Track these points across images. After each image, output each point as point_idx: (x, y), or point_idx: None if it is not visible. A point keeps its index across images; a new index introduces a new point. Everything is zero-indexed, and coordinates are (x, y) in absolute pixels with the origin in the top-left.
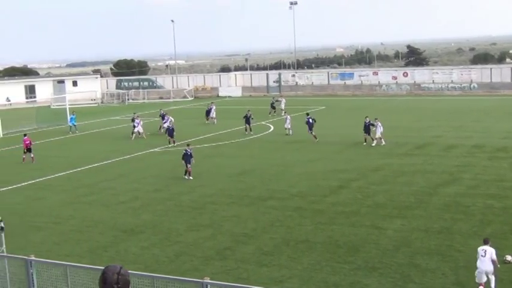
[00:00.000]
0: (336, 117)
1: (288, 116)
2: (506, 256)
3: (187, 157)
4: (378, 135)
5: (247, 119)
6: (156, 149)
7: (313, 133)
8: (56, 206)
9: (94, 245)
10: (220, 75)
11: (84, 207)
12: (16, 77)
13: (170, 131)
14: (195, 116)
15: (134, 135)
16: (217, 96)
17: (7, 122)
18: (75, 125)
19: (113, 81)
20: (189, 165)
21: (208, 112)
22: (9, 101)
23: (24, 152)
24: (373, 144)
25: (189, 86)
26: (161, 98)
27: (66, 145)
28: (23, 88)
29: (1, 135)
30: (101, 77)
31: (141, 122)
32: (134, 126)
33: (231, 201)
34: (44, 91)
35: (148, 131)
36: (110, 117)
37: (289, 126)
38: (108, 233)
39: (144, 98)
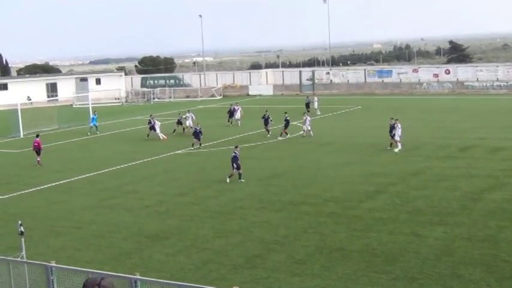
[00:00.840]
0: (373, 117)
1: (308, 117)
2: None
3: (235, 160)
4: (396, 138)
5: (265, 121)
6: (179, 151)
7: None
8: (77, 210)
9: (117, 252)
10: (250, 73)
11: (107, 212)
12: (37, 75)
13: (196, 133)
14: (223, 115)
15: (150, 135)
16: (247, 94)
17: (28, 122)
18: (96, 126)
19: (137, 79)
20: (236, 169)
21: (231, 113)
22: (30, 99)
23: (38, 154)
24: (390, 148)
25: (217, 84)
26: (188, 96)
27: (89, 146)
28: (44, 86)
29: (22, 136)
30: (125, 74)
31: (159, 123)
32: (152, 128)
33: (261, 206)
34: (66, 89)
35: (167, 131)
36: (134, 117)
37: (309, 128)
38: (131, 239)
39: (170, 97)
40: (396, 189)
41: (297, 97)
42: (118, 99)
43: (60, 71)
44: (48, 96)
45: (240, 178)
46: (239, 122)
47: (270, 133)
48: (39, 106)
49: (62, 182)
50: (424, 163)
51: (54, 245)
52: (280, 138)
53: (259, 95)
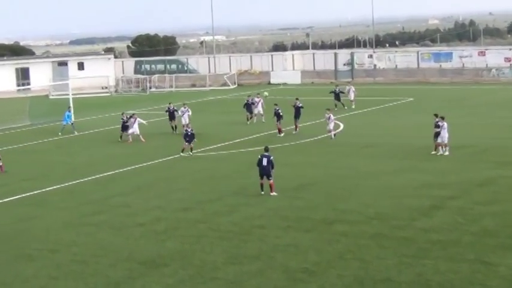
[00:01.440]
0: (427, 112)
1: (331, 115)
2: None
3: (264, 166)
4: (444, 141)
5: (278, 116)
6: (184, 154)
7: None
8: (53, 229)
9: (103, 281)
10: (272, 56)
11: (91, 231)
12: (5, 58)
13: (188, 135)
14: (239, 109)
15: (123, 136)
16: (269, 83)
17: None
18: (72, 124)
19: (130, 63)
20: (270, 179)
21: (249, 106)
22: None
23: None
24: (434, 153)
25: (230, 70)
26: (194, 85)
27: (68, 148)
28: (13, 72)
29: None
30: (115, 57)
31: (137, 121)
32: (125, 127)
33: (286, 225)
34: (41, 76)
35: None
36: (127, 111)
37: (331, 128)
38: (121, 266)
39: (171, 86)
40: (458, 204)
41: (331, 86)
42: (106, 88)
43: (33, 53)
44: (18, 85)
45: (262, 190)
46: (263, 118)
47: (281, 133)
48: (6, 97)
49: (34, 192)
50: (493, 171)
51: (24, 273)
52: (280, 135)
53: (284, 84)
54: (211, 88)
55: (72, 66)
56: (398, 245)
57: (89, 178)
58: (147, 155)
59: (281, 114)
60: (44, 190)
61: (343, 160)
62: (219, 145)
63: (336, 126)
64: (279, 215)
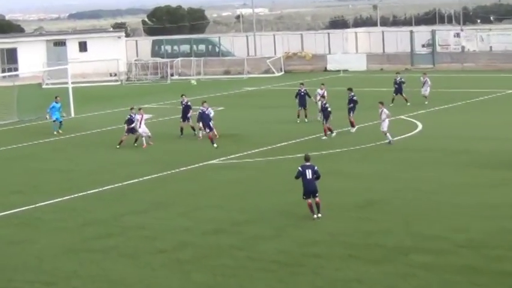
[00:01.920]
0: None
1: (385, 110)
2: None
3: (309, 181)
4: None
5: (324, 112)
6: (214, 161)
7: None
8: (48, 255)
9: None
10: (328, 35)
11: (96, 258)
12: None
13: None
14: (288, 103)
15: (123, 141)
16: (324, 70)
17: None
18: (60, 121)
19: (146, 43)
20: (316, 196)
21: (302, 97)
22: None
23: None
24: None
25: (275, 53)
26: (227, 72)
27: (66, 152)
28: None
29: None
30: (127, 36)
31: (143, 118)
32: (131, 129)
33: (348, 254)
34: (32, 59)
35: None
36: (141, 105)
37: (386, 129)
38: None
39: (198, 73)
40: None
41: (406, 73)
42: (115, 75)
43: (22, 30)
44: (3, 70)
45: (317, 212)
46: (320, 116)
47: (332, 133)
48: None
49: (24, 208)
50: None
51: None
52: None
53: (344, 71)
54: (250, 76)
55: (72, 46)
56: (495, 282)
57: (93, 191)
58: (165, 162)
59: (329, 109)
60: (36, 205)
61: (422, 170)
62: (258, 150)
63: (410, 127)
64: (339, 240)
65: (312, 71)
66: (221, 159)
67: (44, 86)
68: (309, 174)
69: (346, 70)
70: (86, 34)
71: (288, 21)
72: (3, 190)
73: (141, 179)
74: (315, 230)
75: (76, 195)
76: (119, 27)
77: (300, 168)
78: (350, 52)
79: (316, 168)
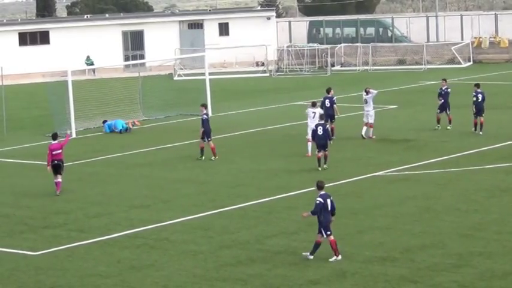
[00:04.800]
0: None
1: None
2: None
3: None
4: None
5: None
6: (381, 172)
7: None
8: (176, 285)
9: None
10: None
11: None
12: (106, 16)
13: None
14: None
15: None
16: None
17: (85, 107)
18: (126, 129)
19: (301, 25)
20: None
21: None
22: (91, 62)
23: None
24: None
25: (462, 39)
26: (402, 62)
27: (199, 159)
28: (119, 38)
29: (74, 135)
30: (278, 16)
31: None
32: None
33: None
34: (162, 44)
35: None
36: (293, 102)
37: None
38: None
39: (366, 62)
40: None
41: None
42: (262, 65)
43: (151, 9)
44: (127, 58)
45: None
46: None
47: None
48: (106, 76)
49: (148, 227)
50: None
51: None
52: None
53: None
54: (430, 67)
55: (211, 29)
56: None
57: (233, 207)
58: (323, 172)
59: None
60: (163, 224)
61: None
62: (439, 159)
63: None
64: None
65: (508, 61)
66: (390, 170)
67: (175, 78)
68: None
69: None
70: (228, 14)
71: None
72: (124, 204)
73: (292, 193)
74: (506, 258)
75: (211, 212)
76: (268, 5)
77: (319, 199)
78: None
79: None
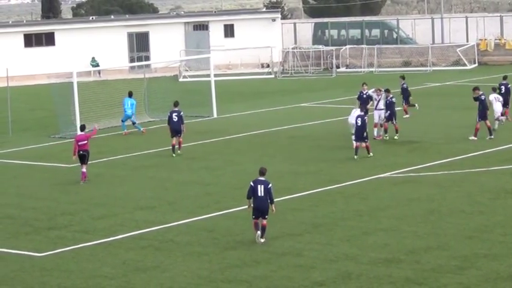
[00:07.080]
0: None
1: None
2: None
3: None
4: None
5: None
6: (386, 174)
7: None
8: (181, 286)
9: None
10: None
11: None
12: (112, 17)
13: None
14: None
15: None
16: None
17: (91, 107)
18: (134, 122)
19: (307, 26)
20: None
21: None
22: (96, 64)
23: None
24: None
25: (467, 41)
26: (407, 63)
27: (204, 160)
28: (124, 39)
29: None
30: (284, 18)
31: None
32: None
33: None
34: (167, 46)
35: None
36: (299, 104)
37: None
38: None
39: (371, 64)
40: None
41: None
42: (267, 66)
43: (156, 10)
44: (132, 59)
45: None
46: (503, 119)
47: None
48: (111, 78)
49: (153, 229)
50: None
51: None
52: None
53: None
54: (435, 68)
55: (216, 30)
56: None
57: (238, 209)
58: (329, 175)
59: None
60: (168, 225)
61: None
62: (443, 161)
63: None
64: None
65: None
66: (395, 172)
67: (180, 80)
68: (260, 191)
69: None
70: (233, 16)
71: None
72: (129, 206)
73: (298, 194)
74: (511, 260)
75: (217, 213)
76: (273, 7)
77: (251, 183)
78: None
79: (270, 185)
